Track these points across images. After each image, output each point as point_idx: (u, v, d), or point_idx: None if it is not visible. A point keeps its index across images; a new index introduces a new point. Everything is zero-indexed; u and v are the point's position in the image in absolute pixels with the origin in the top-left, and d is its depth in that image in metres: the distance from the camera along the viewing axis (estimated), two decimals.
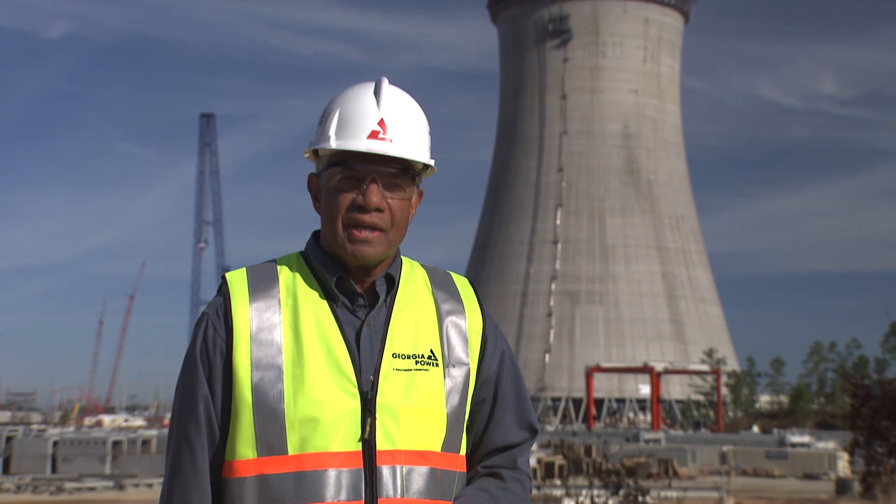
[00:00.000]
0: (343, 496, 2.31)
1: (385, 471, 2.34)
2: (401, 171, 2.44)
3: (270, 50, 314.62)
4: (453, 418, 2.45)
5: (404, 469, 2.36)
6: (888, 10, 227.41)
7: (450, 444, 2.45)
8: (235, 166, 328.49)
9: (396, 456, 2.36)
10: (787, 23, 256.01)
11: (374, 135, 2.41)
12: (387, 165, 2.42)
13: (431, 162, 2.50)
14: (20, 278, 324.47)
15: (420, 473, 2.37)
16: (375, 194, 2.40)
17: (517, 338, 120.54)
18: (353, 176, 2.42)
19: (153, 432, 56.34)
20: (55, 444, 49.18)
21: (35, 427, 63.52)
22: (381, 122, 2.42)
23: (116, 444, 49.80)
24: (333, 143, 2.42)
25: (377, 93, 2.45)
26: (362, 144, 2.40)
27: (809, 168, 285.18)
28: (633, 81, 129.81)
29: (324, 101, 2.53)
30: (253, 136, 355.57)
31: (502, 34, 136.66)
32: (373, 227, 2.41)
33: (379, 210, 2.41)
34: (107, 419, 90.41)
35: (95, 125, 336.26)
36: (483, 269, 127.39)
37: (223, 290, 2.46)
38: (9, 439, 49.81)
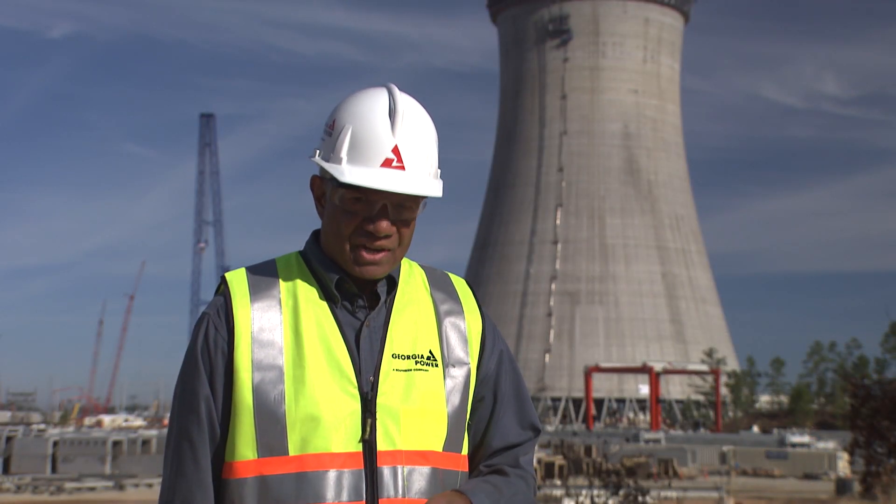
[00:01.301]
0: (344, 497, 2.31)
1: (386, 471, 2.34)
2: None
3: (271, 50, 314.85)
4: (454, 418, 2.45)
5: (405, 469, 2.36)
6: (889, 10, 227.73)
7: (451, 443, 2.45)
8: (235, 166, 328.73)
9: (397, 456, 2.36)
10: (788, 23, 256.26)
11: (387, 163, 2.35)
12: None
13: (440, 188, 2.42)
14: (20, 278, 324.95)
15: (421, 473, 2.38)
16: (385, 222, 2.38)
17: (517, 338, 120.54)
18: (361, 198, 2.39)
19: (153, 432, 56.33)
20: (55, 444, 49.16)
21: (35, 427, 63.45)
22: (395, 150, 2.36)
23: (116, 444, 49.80)
24: (346, 174, 2.35)
25: (392, 114, 2.38)
26: (376, 179, 2.33)
27: (810, 168, 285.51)
28: (633, 81, 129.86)
29: (325, 102, 2.54)
30: (253, 136, 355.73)
31: (502, 34, 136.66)
32: (381, 250, 2.40)
33: (388, 236, 2.40)
34: (107, 419, 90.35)
35: (96, 125, 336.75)
36: (483, 269, 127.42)
37: (223, 291, 2.46)
38: (9, 439, 49.80)
